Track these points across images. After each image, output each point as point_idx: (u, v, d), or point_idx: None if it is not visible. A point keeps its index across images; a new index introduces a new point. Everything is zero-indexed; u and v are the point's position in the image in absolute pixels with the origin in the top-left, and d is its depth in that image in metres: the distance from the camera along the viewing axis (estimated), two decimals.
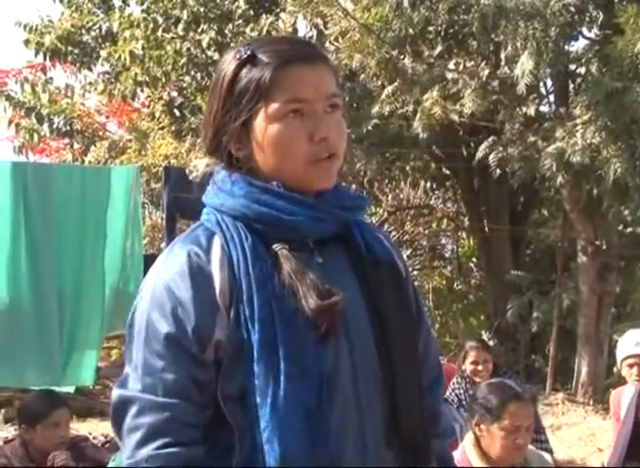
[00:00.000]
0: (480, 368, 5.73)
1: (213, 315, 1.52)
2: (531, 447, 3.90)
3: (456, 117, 7.66)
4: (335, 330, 1.53)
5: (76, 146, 13.18)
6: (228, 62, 1.61)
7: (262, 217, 1.57)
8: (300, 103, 1.56)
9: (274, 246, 1.56)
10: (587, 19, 7.72)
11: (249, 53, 1.58)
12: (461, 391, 5.72)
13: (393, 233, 13.52)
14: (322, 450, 1.49)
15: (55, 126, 12.67)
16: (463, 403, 5.50)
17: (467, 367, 5.77)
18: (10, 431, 7.06)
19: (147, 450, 1.47)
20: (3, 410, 9.04)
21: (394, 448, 1.58)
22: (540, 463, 3.69)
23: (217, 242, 1.56)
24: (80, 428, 7.65)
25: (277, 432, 1.47)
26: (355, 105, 8.76)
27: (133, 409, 1.50)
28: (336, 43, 8.52)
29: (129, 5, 11.33)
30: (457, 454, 3.41)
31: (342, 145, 1.61)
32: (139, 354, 1.53)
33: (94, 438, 6.09)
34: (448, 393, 5.77)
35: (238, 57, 1.59)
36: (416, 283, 13.94)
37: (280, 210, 1.56)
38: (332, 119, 1.58)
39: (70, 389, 6.55)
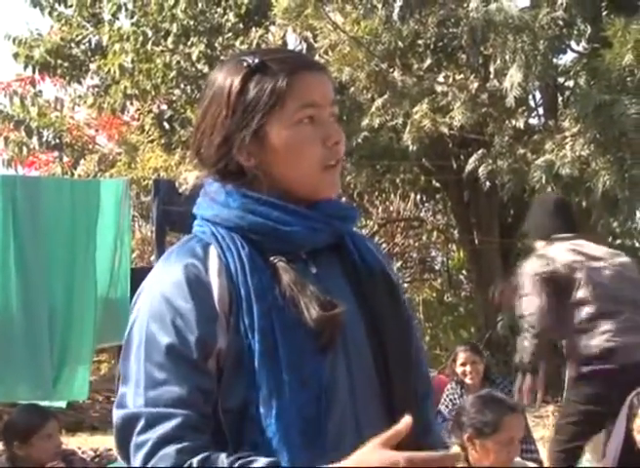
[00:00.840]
0: (469, 368, 5.75)
1: (213, 324, 1.50)
2: (517, 458, 3.90)
3: (445, 130, 7.68)
4: (335, 340, 1.53)
5: (66, 159, 13.17)
6: (232, 72, 1.59)
7: (258, 228, 1.56)
8: (313, 109, 1.57)
9: (272, 258, 1.55)
10: (575, 32, 7.77)
11: (257, 61, 1.58)
12: (456, 396, 5.73)
13: (383, 245, 13.53)
14: (320, 461, 1.47)
15: (44, 139, 12.65)
16: (456, 405, 5.50)
17: (458, 369, 5.79)
18: None
19: (158, 455, 1.43)
20: None
21: None
22: None
23: (213, 252, 1.55)
24: (69, 442, 7.61)
25: (284, 442, 1.47)
26: (345, 118, 8.76)
27: (139, 426, 1.45)
28: (325, 56, 8.54)
29: (118, 18, 11.33)
30: None
31: (343, 152, 1.64)
32: (140, 368, 1.49)
33: (83, 452, 6.08)
34: (442, 398, 5.78)
35: (246, 65, 1.58)
36: (406, 295, 14.02)
37: (276, 220, 1.56)
38: (337, 125, 1.61)
39: (62, 404, 6.51)
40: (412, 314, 1.79)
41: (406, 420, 1.41)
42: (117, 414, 1.49)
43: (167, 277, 1.53)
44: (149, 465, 1.43)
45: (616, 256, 4.85)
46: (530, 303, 4.56)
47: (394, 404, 1.59)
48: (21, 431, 4.05)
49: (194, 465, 1.41)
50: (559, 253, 4.68)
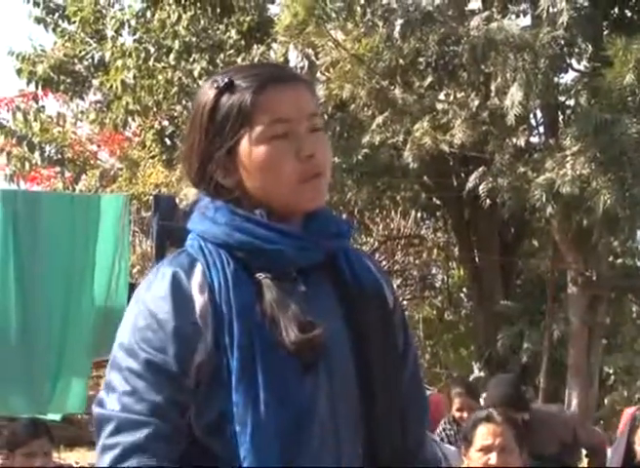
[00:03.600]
0: (465, 415, 5.67)
1: (195, 338, 1.51)
2: None
3: (446, 147, 7.67)
4: (317, 361, 1.51)
5: (67, 175, 13.19)
6: (206, 92, 1.60)
7: (244, 246, 1.56)
8: (284, 124, 1.55)
9: (257, 275, 1.54)
10: (576, 51, 7.76)
11: (226, 80, 1.58)
12: (452, 433, 5.67)
13: (384, 263, 13.51)
14: None
15: (46, 154, 12.69)
16: (452, 441, 5.46)
17: (455, 413, 5.73)
18: None
19: (126, 464, 1.46)
20: None
21: None
22: None
23: (199, 268, 1.55)
24: (68, 457, 7.60)
25: (256, 461, 1.46)
26: (346, 135, 8.77)
27: (109, 428, 1.48)
28: (327, 73, 8.56)
29: (121, 35, 11.37)
30: None
31: (329, 165, 1.61)
32: (120, 375, 1.51)
33: (81, 467, 6.04)
34: (438, 431, 5.72)
35: (216, 85, 1.59)
36: (406, 313, 13.97)
37: (262, 238, 1.55)
38: (316, 138, 1.58)
39: (57, 417, 6.50)
40: (409, 334, 1.74)
41: None
42: (94, 411, 1.53)
43: (153, 290, 1.55)
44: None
45: None
46: None
47: (376, 426, 1.57)
48: (10, 443, 4.04)
49: None
50: None
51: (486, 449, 3.38)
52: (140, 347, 1.51)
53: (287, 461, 1.47)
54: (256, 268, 1.55)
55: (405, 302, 13.90)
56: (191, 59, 10.58)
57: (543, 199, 7.09)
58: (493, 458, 3.38)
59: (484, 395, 5.50)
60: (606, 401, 9.45)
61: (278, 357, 1.50)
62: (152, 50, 10.78)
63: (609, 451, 4.56)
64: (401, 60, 7.95)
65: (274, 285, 1.53)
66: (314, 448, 1.50)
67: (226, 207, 1.59)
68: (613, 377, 9.94)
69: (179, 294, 1.52)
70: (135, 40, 11.12)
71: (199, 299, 1.52)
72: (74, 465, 5.64)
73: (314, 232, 1.59)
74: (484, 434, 3.41)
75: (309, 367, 1.51)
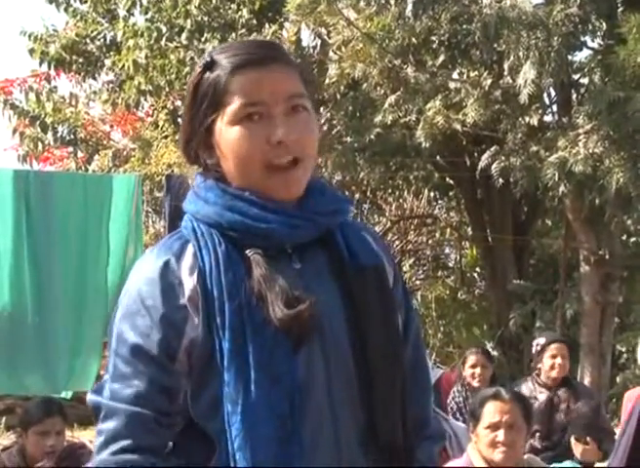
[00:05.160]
0: (478, 371, 5.73)
1: (182, 322, 1.51)
2: (533, 456, 3.92)
3: (458, 126, 7.64)
4: (307, 338, 1.51)
5: (80, 155, 13.18)
6: (196, 68, 1.62)
7: (236, 225, 1.55)
8: (256, 107, 1.54)
9: (247, 251, 1.54)
10: (590, 29, 7.71)
11: (208, 59, 1.59)
12: (461, 399, 5.72)
13: (397, 242, 13.51)
14: (296, 457, 1.47)
15: (59, 134, 12.67)
16: (463, 411, 5.49)
17: (467, 371, 5.76)
18: (11, 439, 7.05)
19: (103, 455, 1.50)
20: (4, 418, 9.02)
21: (371, 455, 1.56)
22: None
23: (189, 250, 1.55)
24: (82, 436, 7.65)
25: (248, 439, 1.46)
26: (358, 114, 8.75)
27: (100, 415, 1.53)
28: (339, 52, 8.52)
29: (133, 14, 11.33)
30: (461, 462, 3.47)
31: (308, 149, 1.58)
32: (110, 361, 1.55)
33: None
34: (449, 401, 5.76)
35: (202, 63, 1.60)
36: (419, 292, 13.88)
37: (253, 218, 1.54)
38: (293, 121, 1.55)
39: (67, 395, 6.55)
40: (411, 308, 1.74)
41: None
42: (88, 399, 1.58)
43: (143, 273, 1.55)
44: (99, 457, 1.51)
45: None
46: None
47: (374, 403, 1.56)
48: (23, 421, 4.09)
49: None
50: None
51: (494, 426, 3.41)
52: (129, 333, 1.53)
53: (281, 440, 1.47)
54: (247, 246, 1.54)
55: (418, 282, 13.90)
56: (203, 39, 10.54)
57: (556, 178, 7.06)
58: (500, 435, 3.40)
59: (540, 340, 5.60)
60: (618, 379, 9.44)
61: (269, 335, 1.49)
62: (164, 29, 10.75)
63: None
64: (413, 39, 7.90)
65: (264, 261, 1.52)
66: (311, 424, 1.50)
67: (217, 186, 1.59)
68: (625, 356, 9.92)
69: (168, 278, 1.52)
70: (147, 19, 11.08)
71: (188, 283, 1.52)
72: (88, 443, 5.66)
73: (309, 209, 1.58)
74: (492, 411, 3.43)
75: (300, 343, 1.50)
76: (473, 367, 5.76)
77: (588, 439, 4.84)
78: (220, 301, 1.50)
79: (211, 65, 1.58)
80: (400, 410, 1.59)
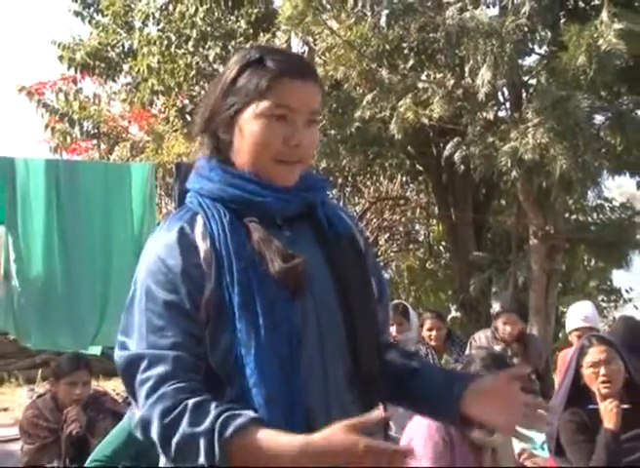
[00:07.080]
0: (434, 333, 5.78)
1: (201, 279, 1.52)
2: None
3: (426, 121, 7.64)
4: (302, 289, 1.54)
5: (102, 147, 13.15)
6: (237, 60, 1.61)
7: (236, 199, 1.58)
8: (285, 110, 1.56)
9: (245, 219, 1.57)
10: (537, 37, 7.71)
11: (257, 56, 1.59)
12: (427, 352, 5.75)
13: (374, 220, 13.53)
14: (295, 392, 1.50)
15: (84, 129, 12.64)
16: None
17: (425, 333, 5.82)
18: (46, 387, 7.08)
19: (158, 392, 1.45)
20: (40, 370, 9.05)
21: (355, 390, 1.60)
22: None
23: (199, 220, 1.57)
24: (106, 385, 7.69)
25: (261, 377, 1.48)
26: (340, 111, 8.74)
27: (143, 365, 1.48)
28: (323, 57, 8.50)
29: (147, 25, 11.28)
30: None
31: (311, 154, 1.64)
32: (142, 318, 1.51)
33: (117, 394, 6.11)
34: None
35: (248, 57, 1.60)
36: (393, 263, 13.85)
37: (251, 192, 1.58)
38: (309, 131, 1.59)
39: (97, 351, 6.58)
40: (382, 274, 1.80)
41: (377, 413, 1.41)
42: (122, 356, 1.52)
43: (161, 240, 1.56)
44: (150, 400, 1.46)
45: None
46: None
47: (358, 344, 1.60)
48: (55, 373, 4.11)
49: (189, 406, 1.43)
50: None
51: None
52: (156, 291, 1.51)
53: (285, 378, 1.50)
54: (246, 217, 1.58)
55: (392, 254, 13.94)
56: (207, 46, 10.51)
57: (509, 164, 7.08)
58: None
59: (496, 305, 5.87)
60: (560, 335, 9.52)
61: (271, 287, 1.52)
62: (173, 38, 10.70)
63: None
64: (387, 46, 7.91)
65: (261, 227, 1.56)
66: (304, 366, 1.53)
67: (219, 166, 1.61)
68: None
69: (184, 243, 1.54)
70: (158, 30, 11.03)
71: (202, 246, 1.54)
72: (111, 392, 5.69)
73: (296, 188, 1.62)
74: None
75: (295, 293, 1.53)
76: (430, 330, 5.81)
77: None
78: (228, 262, 1.52)
79: (257, 62, 1.58)
80: (376, 348, 1.64)
